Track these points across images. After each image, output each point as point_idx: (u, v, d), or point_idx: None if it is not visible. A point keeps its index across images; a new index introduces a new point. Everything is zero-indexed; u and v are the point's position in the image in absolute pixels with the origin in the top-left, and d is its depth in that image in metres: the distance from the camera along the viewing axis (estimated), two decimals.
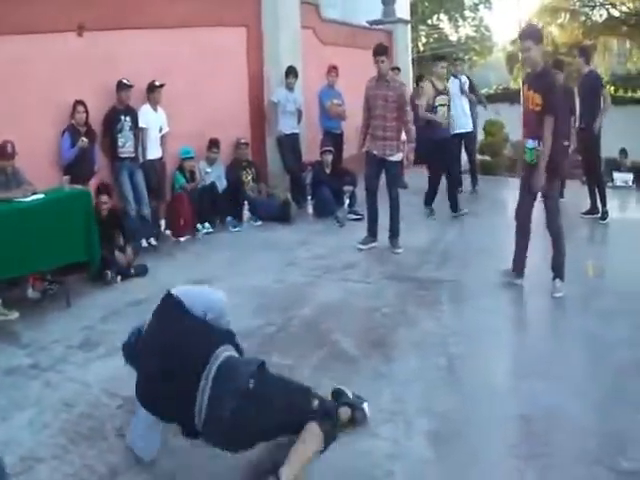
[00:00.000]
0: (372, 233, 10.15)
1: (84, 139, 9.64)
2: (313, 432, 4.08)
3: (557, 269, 7.88)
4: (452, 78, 13.90)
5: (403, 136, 10.24)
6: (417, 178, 13.93)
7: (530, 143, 7.61)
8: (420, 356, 6.22)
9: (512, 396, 5.44)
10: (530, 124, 7.64)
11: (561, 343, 6.51)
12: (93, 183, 9.90)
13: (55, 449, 4.93)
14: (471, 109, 13.95)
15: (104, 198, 9.53)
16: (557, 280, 7.84)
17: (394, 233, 10.00)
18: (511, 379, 5.81)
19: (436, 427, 4.93)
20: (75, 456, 4.81)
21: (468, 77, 14.48)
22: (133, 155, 10.63)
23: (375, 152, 9.84)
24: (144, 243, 10.47)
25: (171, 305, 4.35)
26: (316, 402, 4.28)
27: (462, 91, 13.60)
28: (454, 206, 12.28)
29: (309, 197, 13.04)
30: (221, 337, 4.38)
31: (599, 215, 11.68)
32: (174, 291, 4.41)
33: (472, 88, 14.21)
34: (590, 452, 4.53)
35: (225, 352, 4.22)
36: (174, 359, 4.13)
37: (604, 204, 11.66)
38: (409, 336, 6.73)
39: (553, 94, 7.38)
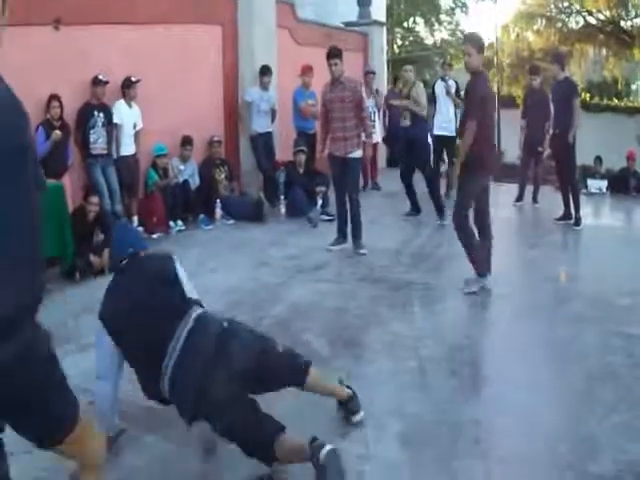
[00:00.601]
0: (342, 234, 10.15)
1: (57, 132, 9.60)
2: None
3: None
4: (439, 81, 13.98)
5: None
6: (389, 180, 13.99)
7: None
8: (391, 358, 6.21)
9: (482, 400, 5.45)
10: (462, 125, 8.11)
11: (531, 348, 6.52)
12: (67, 180, 9.84)
13: (25, 445, 4.87)
14: (455, 113, 13.98)
15: (94, 199, 9.47)
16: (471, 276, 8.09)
17: (356, 234, 10.01)
18: (481, 383, 5.81)
19: (407, 429, 4.93)
20: (45, 452, 4.76)
21: (456, 81, 14.51)
22: (106, 151, 10.62)
23: (337, 153, 9.87)
24: None
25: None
26: (280, 346, 4.54)
27: (447, 93, 13.61)
28: (438, 211, 12.12)
29: (282, 197, 13.04)
30: (196, 302, 4.51)
31: (572, 221, 11.76)
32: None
33: (458, 92, 14.24)
34: (561, 457, 4.53)
35: (198, 310, 4.38)
36: (154, 309, 4.28)
37: (577, 210, 11.74)
38: (380, 337, 6.72)
39: (475, 99, 7.72)
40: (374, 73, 16.01)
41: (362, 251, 9.86)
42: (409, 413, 5.16)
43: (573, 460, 4.49)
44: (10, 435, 4.80)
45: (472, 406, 5.28)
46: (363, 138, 10.09)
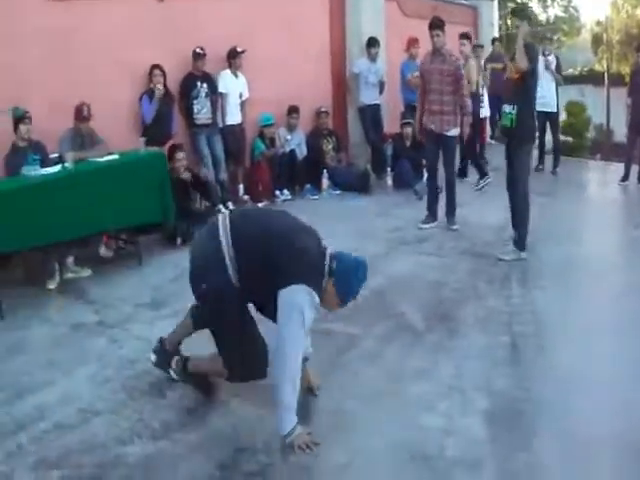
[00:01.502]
0: (432, 212, 9.91)
1: (159, 87, 9.76)
2: None
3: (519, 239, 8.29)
4: (539, 56, 13.65)
5: None
6: (495, 154, 13.79)
7: (507, 108, 8.03)
8: (484, 333, 6.10)
9: (570, 379, 5.28)
10: (508, 91, 8.20)
11: (626, 328, 6.25)
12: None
13: (113, 403, 5.00)
14: (557, 89, 13.65)
15: (179, 155, 9.60)
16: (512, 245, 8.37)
17: (450, 210, 9.79)
18: (571, 361, 5.59)
19: (493, 406, 4.83)
20: (132, 411, 4.87)
21: (557, 57, 14.13)
22: (210, 121, 10.72)
23: (432, 127, 9.60)
24: (222, 208, 10.48)
25: None
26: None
27: (547, 68, 13.26)
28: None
29: (389, 169, 12.96)
30: None
31: None
32: None
33: (558, 68, 13.86)
34: None
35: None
36: None
37: None
38: (475, 312, 6.60)
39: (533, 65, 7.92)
40: (482, 47, 15.54)
41: (454, 227, 9.65)
42: (496, 389, 5.06)
43: None
44: (98, 395, 4.99)
45: (559, 385, 5.12)
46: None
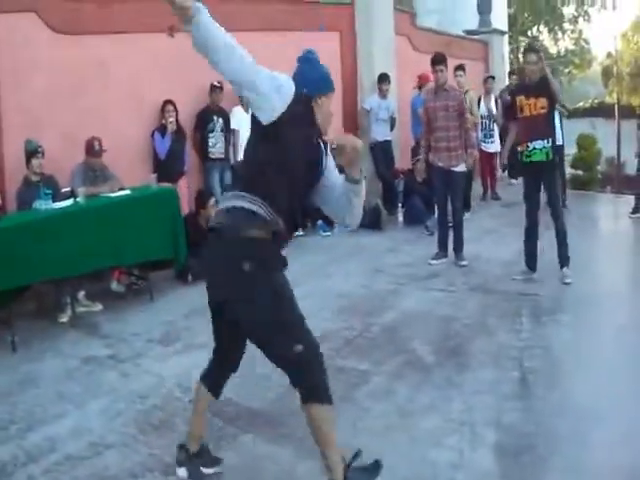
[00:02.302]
0: (443, 248, 9.90)
1: (172, 121, 9.85)
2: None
3: (564, 258, 8.64)
4: None
5: None
6: (507, 189, 13.87)
7: (540, 143, 8.34)
8: (494, 368, 6.09)
9: (582, 415, 5.26)
10: (538, 127, 8.33)
11: (637, 363, 6.31)
12: (182, 185, 10.02)
13: (125, 437, 5.01)
14: (560, 121, 13.72)
15: (212, 201, 9.46)
16: (565, 268, 8.61)
17: (458, 246, 9.79)
18: (583, 397, 5.58)
19: (503, 440, 4.82)
20: (143, 445, 4.88)
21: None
22: (223, 156, 10.81)
23: (440, 164, 9.64)
24: None
25: None
26: None
27: None
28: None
29: (400, 205, 12.99)
30: None
31: None
32: None
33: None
34: None
35: None
36: None
37: None
38: (486, 347, 6.59)
39: (554, 85, 8.35)
40: (493, 78, 15.59)
41: (463, 263, 9.64)
42: (506, 423, 5.04)
43: None
44: (109, 428, 4.99)
45: (570, 419, 5.11)
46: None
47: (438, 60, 9.50)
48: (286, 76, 3.94)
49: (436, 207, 10.16)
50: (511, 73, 16.55)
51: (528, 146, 8.43)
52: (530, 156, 8.46)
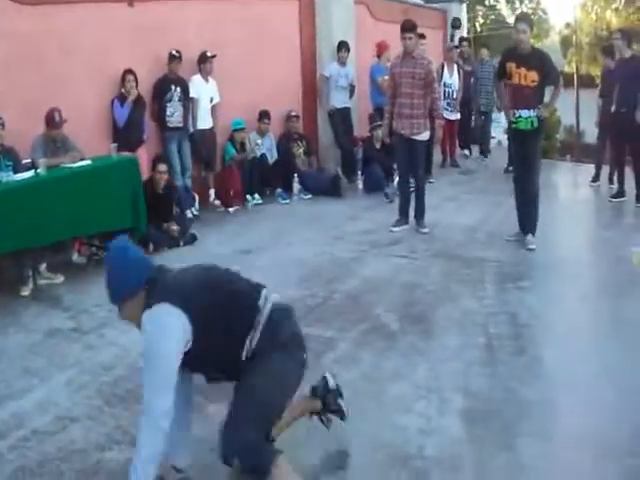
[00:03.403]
0: (404, 215, 9.91)
1: (133, 91, 9.86)
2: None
3: (531, 226, 8.80)
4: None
5: None
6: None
7: (526, 112, 8.51)
8: (459, 334, 6.15)
9: (548, 379, 5.35)
10: (526, 98, 8.48)
11: (599, 328, 6.42)
12: (142, 154, 9.94)
13: (91, 410, 4.99)
14: None
15: (162, 167, 9.51)
16: (530, 235, 8.78)
17: (419, 213, 9.82)
18: (548, 362, 5.69)
19: (470, 406, 4.87)
20: (109, 417, 4.86)
21: None
22: (181, 125, 10.75)
23: (402, 132, 9.59)
24: (189, 214, 10.49)
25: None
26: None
27: None
28: None
29: (359, 172, 12.98)
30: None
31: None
32: None
33: None
34: (623, 442, 4.36)
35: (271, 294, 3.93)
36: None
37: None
38: (450, 314, 6.66)
39: (553, 67, 8.83)
40: (457, 47, 15.64)
41: (424, 230, 9.66)
42: (474, 390, 5.10)
43: (636, 446, 4.35)
44: (74, 401, 4.95)
45: (538, 385, 5.19)
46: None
47: (407, 27, 9.44)
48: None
49: (397, 174, 10.15)
50: (462, 40, 16.51)
51: (515, 113, 8.61)
52: (516, 123, 8.65)
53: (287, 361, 3.74)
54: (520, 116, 8.54)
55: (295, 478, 3.64)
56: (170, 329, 3.53)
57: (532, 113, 8.46)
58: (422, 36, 12.90)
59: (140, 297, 3.64)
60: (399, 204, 10.00)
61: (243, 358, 3.67)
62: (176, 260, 8.52)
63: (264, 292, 3.85)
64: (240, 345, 3.66)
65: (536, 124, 8.52)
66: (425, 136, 9.67)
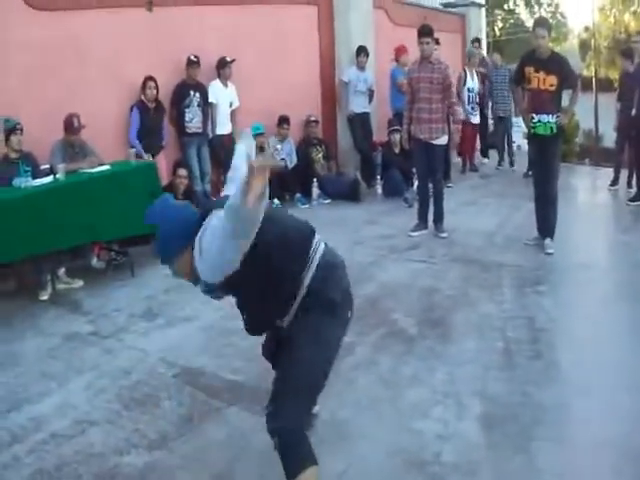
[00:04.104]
0: (423, 220, 9.86)
1: (152, 95, 9.95)
2: None
3: (550, 230, 8.78)
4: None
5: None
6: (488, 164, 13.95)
7: (545, 117, 8.47)
8: (477, 339, 6.12)
9: (566, 384, 5.31)
10: (545, 102, 8.47)
11: (617, 333, 6.32)
12: (161, 159, 10.04)
13: (109, 414, 5.00)
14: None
15: (182, 172, 9.58)
16: (548, 239, 8.76)
17: (438, 217, 9.78)
18: (566, 367, 5.64)
19: (488, 411, 4.85)
20: (128, 421, 4.88)
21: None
22: (200, 130, 10.79)
23: (421, 136, 9.56)
24: None
25: None
26: None
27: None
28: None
29: (378, 177, 12.98)
30: None
31: None
32: None
33: None
34: None
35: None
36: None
37: None
38: (468, 318, 6.64)
39: (571, 72, 8.72)
40: (479, 41, 15.64)
41: (443, 234, 9.64)
42: (491, 394, 5.08)
43: None
44: (93, 405, 4.97)
45: (555, 389, 5.15)
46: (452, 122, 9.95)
47: (425, 32, 9.44)
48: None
49: (416, 179, 10.12)
50: (474, 40, 16.50)
51: (533, 117, 8.57)
52: (535, 127, 8.61)
53: (335, 327, 3.74)
54: (539, 121, 8.49)
55: None
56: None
57: (551, 118, 8.42)
58: (437, 42, 12.94)
59: (189, 251, 3.58)
60: (418, 209, 9.95)
61: (296, 297, 3.64)
62: None
63: (318, 236, 3.90)
64: (292, 279, 3.62)
65: (555, 130, 8.47)
66: (444, 140, 9.67)
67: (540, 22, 9.02)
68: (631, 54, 12.21)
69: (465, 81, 14.40)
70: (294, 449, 3.46)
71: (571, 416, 4.79)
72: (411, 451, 4.37)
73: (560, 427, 4.63)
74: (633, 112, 11.50)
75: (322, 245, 3.85)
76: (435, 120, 9.46)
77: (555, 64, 8.38)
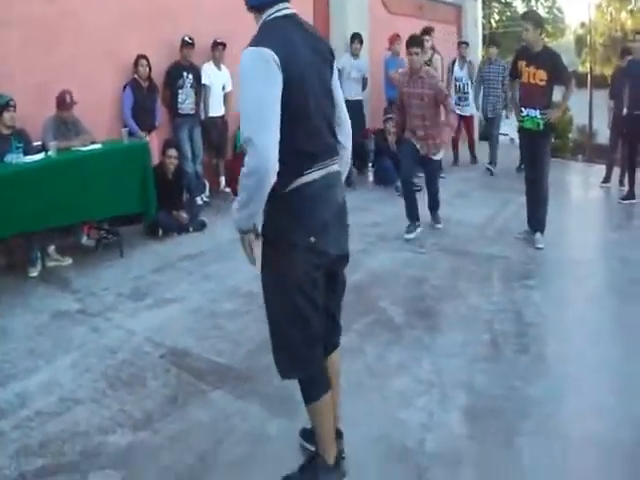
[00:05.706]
0: (414, 219, 9.34)
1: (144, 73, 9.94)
2: None
3: (540, 224, 8.85)
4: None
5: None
6: (485, 153, 13.96)
7: (533, 112, 8.51)
8: (465, 330, 6.14)
9: (552, 378, 5.33)
10: (534, 97, 8.47)
11: (604, 329, 6.36)
12: (154, 139, 10.04)
13: (95, 392, 5.01)
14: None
15: (172, 152, 9.54)
16: (538, 234, 8.81)
17: (435, 205, 9.62)
18: (552, 361, 5.67)
19: (473, 402, 4.88)
20: (113, 400, 4.89)
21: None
22: (193, 112, 10.78)
23: (418, 147, 9.15)
24: (199, 200, 10.52)
25: None
26: None
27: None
28: None
29: (370, 165, 12.98)
30: None
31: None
32: None
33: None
34: (625, 440, 4.37)
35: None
36: None
37: None
38: (456, 309, 6.66)
39: (563, 67, 8.57)
40: (467, 44, 15.50)
41: (438, 226, 9.62)
42: (477, 386, 5.10)
43: (638, 447, 4.35)
44: (79, 384, 4.97)
45: (541, 383, 5.17)
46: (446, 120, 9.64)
47: (414, 42, 8.84)
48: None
49: (400, 181, 9.85)
50: (461, 43, 16.44)
51: (522, 111, 8.64)
52: (523, 121, 8.67)
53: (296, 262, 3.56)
54: (527, 115, 8.54)
55: (330, 422, 3.84)
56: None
57: (538, 114, 8.45)
58: (428, 31, 12.94)
59: (257, 19, 3.64)
60: (406, 208, 9.40)
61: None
62: (186, 245, 8.64)
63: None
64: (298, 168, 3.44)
65: (542, 126, 8.48)
66: (440, 155, 9.38)
67: (525, 15, 9.08)
68: (631, 53, 12.19)
69: (452, 70, 14.43)
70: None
71: (557, 410, 4.81)
72: (395, 439, 4.39)
73: (545, 421, 4.64)
74: (624, 111, 11.52)
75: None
76: (432, 136, 9.07)
77: (546, 59, 8.37)
